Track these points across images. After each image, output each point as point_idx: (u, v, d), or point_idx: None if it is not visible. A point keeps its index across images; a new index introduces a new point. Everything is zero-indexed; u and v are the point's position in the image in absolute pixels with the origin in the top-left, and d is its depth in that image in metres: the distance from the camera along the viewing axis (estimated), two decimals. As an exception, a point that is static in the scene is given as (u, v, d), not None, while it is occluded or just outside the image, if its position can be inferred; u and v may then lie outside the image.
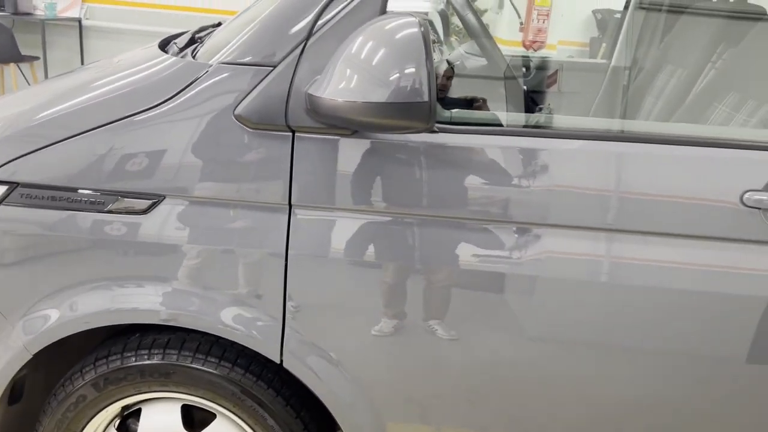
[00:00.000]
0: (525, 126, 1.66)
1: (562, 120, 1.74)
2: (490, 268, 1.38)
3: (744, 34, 1.94)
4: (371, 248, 1.38)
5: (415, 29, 1.18)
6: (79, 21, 6.41)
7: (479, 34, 2.33)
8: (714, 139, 1.41)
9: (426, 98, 1.17)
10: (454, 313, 1.40)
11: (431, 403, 1.49)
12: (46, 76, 6.29)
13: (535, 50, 5.01)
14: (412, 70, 1.16)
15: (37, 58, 6.16)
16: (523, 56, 3.40)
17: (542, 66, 3.04)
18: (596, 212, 1.35)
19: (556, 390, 1.45)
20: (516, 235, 1.37)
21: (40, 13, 6.29)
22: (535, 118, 2.02)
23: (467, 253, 1.38)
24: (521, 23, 5.18)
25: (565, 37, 5.54)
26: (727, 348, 1.38)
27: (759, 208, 1.30)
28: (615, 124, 2.01)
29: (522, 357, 1.43)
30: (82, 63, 6.47)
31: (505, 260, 1.37)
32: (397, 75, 1.17)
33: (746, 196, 1.30)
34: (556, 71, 2.98)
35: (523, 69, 2.93)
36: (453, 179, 1.35)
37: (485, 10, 5.15)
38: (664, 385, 1.42)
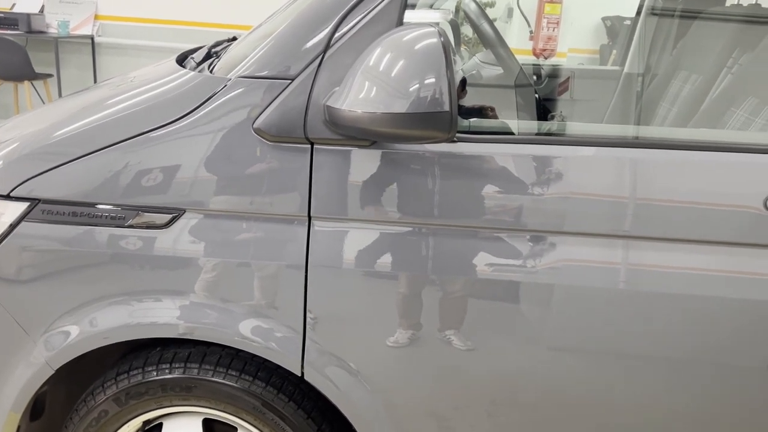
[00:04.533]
0: (544, 134, 1.65)
1: (580, 127, 1.73)
2: (508, 277, 1.37)
3: (760, 39, 1.92)
4: (391, 259, 1.38)
5: (435, 39, 1.18)
6: (92, 38, 6.48)
7: (494, 43, 2.33)
8: (735, 144, 1.40)
9: (447, 108, 1.17)
10: (477, 323, 1.40)
11: (451, 415, 1.48)
12: (60, 94, 6.35)
13: (546, 58, 5.00)
14: (433, 80, 1.16)
15: (50, 75, 6.23)
16: (534, 64, 3.41)
17: (555, 74, 3.04)
18: (614, 219, 1.34)
19: (574, 399, 1.43)
20: (533, 244, 1.36)
21: (53, 31, 6.36)
22: (553, 125, 2.02)
23: (487, 262, 1.37)
24: (531, 31, 5.18)
25: (574, 45, 5.53)
26: (752, 355, 1.37)
27: None
28: (640, 131, 2.00)
29: (539, 366, 1.41)
30: (95, 79, 6.54)
31: (523, 269, 1.36)
32: (418, 85, 1.16)
33: (770, 201, 1.29)
34: (569, 78, 2.98)
35: (537, 77, 2.93)
36: (473, 188, 1.35)
37: (494, 19, 5.16)
38: (685, 393, 1.41)
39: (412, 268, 1.38)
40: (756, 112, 1.74)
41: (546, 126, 1.98)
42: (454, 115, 1.18)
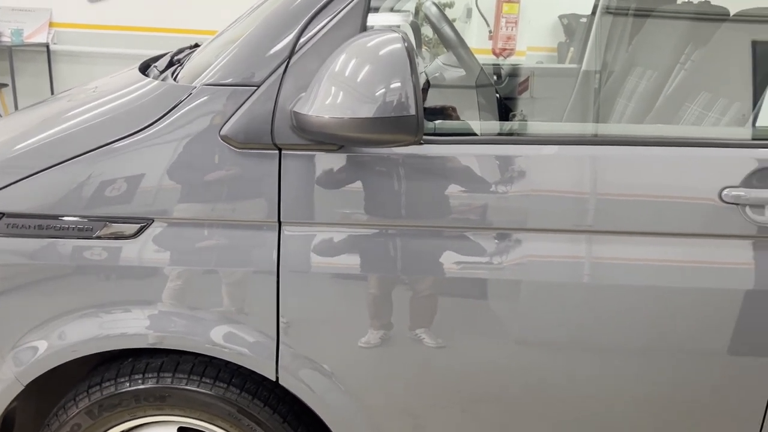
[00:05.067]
0: (506, 134, 1.68)
1: (541, 126, 1.78)
2: (476, 274, 1.40)
3: (710, 35, 1.99)
4: (363, 261, 1.40)
5: (399, 44, 1.20)
6: (47, 46, 6.35)
7: (456, 45, 2.36)
8: (691, 139, 1.45)
9: (413, 111, 1.19)
10: (447, 321, 1.42)
11: (426, 413, 1.50)
12: (16, 103, 6.21)
13: (505, 57, 5.07)
14: (398, 84, 1.19)
15: (5, 85, 6.09)
16: (495, 64, 3.46)
17: (515, 73, 3.09)
18: (577, 215, 1.38)
19: (547, 393, 1.47)
20: (500, 241, 1.39)
21: (7, 39, 6.21)
22: (515, 125, 2.06)
23: (457, 261, 1.39)
24: (490, 31, 5.25)
25: (533, 43, 5.62)
26: (713, 342, 1.42)
27: (737, 204, 1.34)
28: (599, 128, 2.05)
29: (510, 361, 1.45)
30: (52, 88, 6.40)
31: (490, 266, 1.39)
32: (384, 90, 1.18)
33: (725, 192, 1.34)
34: (529, 77, 3.03)
35: (497, 77, 2.98)
36: (440, 189, 1.37)
37: (454, 20, 5.22)
38: (653, 382, 1.45)
39: (384, 270, 1.40)
40: (709, 106, 1.80)
41: (508, 126, 2.02)
42: (421, 119, 1.20)
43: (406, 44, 1.19)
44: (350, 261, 1.40)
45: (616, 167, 1.38)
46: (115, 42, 6.28)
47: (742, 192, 1.34)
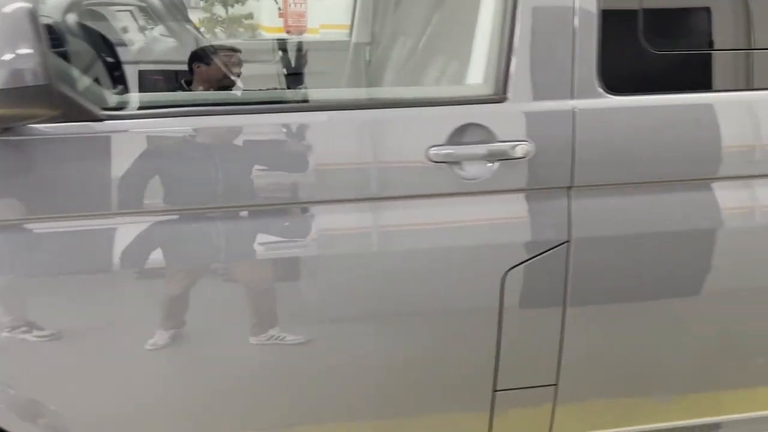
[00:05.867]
0: (202, 104, 1.56)
1: (246, 95, 1.71)
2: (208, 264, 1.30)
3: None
4: (45, 261, 1.22)
5: (22, 7, 1.06)
6: None
7: (168, 17, 2.24)
8: (399, 100, 1.41)
9: (44, 81, 1.06)
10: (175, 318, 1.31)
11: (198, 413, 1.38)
12: None
13: (297, 34, 4.98)
14: (23, 51, 1.05)
15: None
16: (279, 39, 3.40)
17: (290, 48, 3.03)
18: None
19: (340, 367, 1.40)
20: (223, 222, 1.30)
21: None
22: (236, 94, 1.97)
23: (165, 250, 1.28)
24: (279, 9, 5.15)
25: (326, 21, 5.57)
26: (449, 299, 1.40)
27: (445, 162, 1.32)
28: (287, 95, 2.01)
29: (308, 341, 1.36)
30: None
31: (216, 252, 1.32)
32: (7, 57, 1.04)
33: (431, 151, 1.31)
34: (304, 52, 2.97)
35: (281, 52, 2.90)
36: (132, 169, 1.24)
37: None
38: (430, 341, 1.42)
39: (57, 268, 1.25)
40: (441, 68, 1.80)
41: (227, 96, 1.93)
42: (56, 89, 1.08)
43: (30, 8, 1.06)
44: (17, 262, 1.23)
45: (320, 133, 1.32)
46: None
47: (448, 150, 1.32)
